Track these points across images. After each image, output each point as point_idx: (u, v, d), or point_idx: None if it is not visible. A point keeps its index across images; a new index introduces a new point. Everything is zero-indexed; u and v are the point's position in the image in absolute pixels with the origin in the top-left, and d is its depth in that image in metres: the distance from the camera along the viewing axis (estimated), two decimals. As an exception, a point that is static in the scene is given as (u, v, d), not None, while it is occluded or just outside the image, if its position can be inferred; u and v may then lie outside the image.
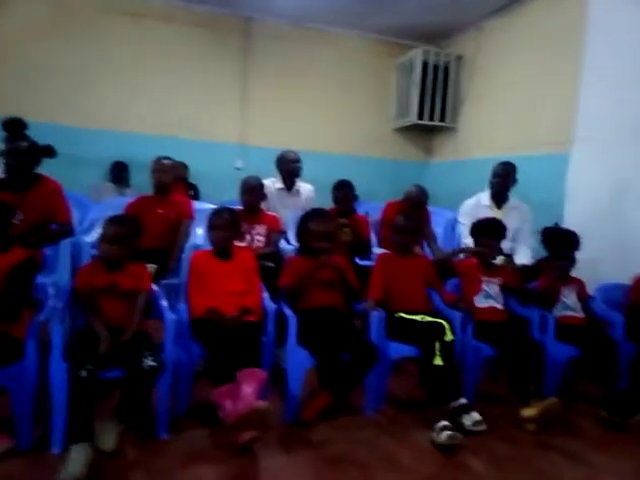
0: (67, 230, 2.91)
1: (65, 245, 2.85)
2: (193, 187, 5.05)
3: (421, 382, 2.75)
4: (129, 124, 5.20)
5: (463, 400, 2.28)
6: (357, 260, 3.57)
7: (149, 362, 1.95)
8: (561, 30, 4.54)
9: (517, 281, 2.96)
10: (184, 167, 4.89)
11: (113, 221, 2.18)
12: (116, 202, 3.49)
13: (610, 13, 4.07)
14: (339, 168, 5.13)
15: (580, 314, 2.82)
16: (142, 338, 2.09)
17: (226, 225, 2.46)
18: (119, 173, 4.98)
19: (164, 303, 2.24)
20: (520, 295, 2.90)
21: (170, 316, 2.13)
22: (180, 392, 2.24)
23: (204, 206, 3.45)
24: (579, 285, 2.92)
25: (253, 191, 3.32)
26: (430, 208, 4.19)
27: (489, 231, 2.94)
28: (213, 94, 5.52)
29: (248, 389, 1.96)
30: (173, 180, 3.40)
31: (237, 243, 3.09)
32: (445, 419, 2.17)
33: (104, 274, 2.16)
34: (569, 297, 2.84)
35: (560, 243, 2.92)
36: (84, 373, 1.83)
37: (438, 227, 4.19)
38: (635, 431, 2.39)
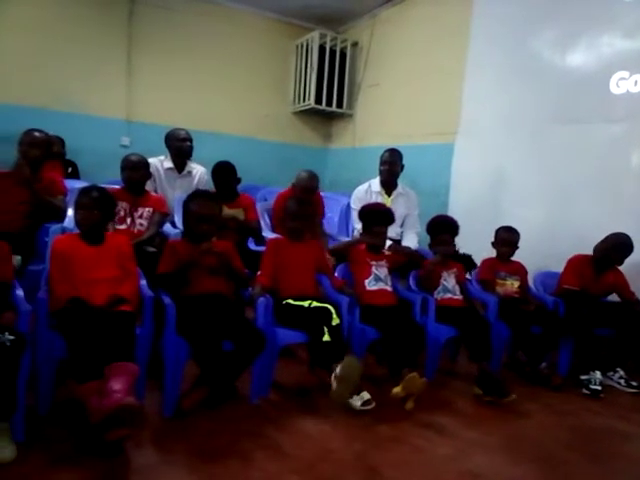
0: None
1: None
2: (71, 164, 4.60)
3: (311, 366, 2.76)
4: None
5: None
6: (250, 245, 3.48)
7: (7, 337, 1.71)
8: (449, 25, 4.75)
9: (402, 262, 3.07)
10: (60, 142, 4.42)
11: None
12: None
13: (492, 12, 4.33)
14: (235, 150, 4.97)
15: (458, 296, 2.98)
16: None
17: (94, 205, 2.21)
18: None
19: (20, 293, 1.98)
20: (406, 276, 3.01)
21: (25, 307, 1.89)
22: (41, 390, 2.02)
23: (80, 185, 3.12)
24: (458, 269, 3.08)
25: (135, 167, 3.05)
26: (326, 194, 4.21)
27: (378, 218, 2.98)
28: (95, 64, 5.02)
29: (116, 385, 1.80)
30: (43, 156, 3.01)
31: (117, 226, 2.88)
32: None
33: None
34: (449, 280, 2.99)
35: (440, 230, 3.05)
36: None
37: (334, 213, 4.23)
38: (504, 409, 2.55)
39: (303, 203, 2.87)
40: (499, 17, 4.27)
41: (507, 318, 2.92)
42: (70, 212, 2.83)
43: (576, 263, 3.16)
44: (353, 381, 2.23)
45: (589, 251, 3.18)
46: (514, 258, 3.26)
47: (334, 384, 2.19)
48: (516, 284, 3.13)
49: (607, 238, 3.11)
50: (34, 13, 4.74)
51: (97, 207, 2.22)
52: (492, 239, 3.27)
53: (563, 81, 3.84)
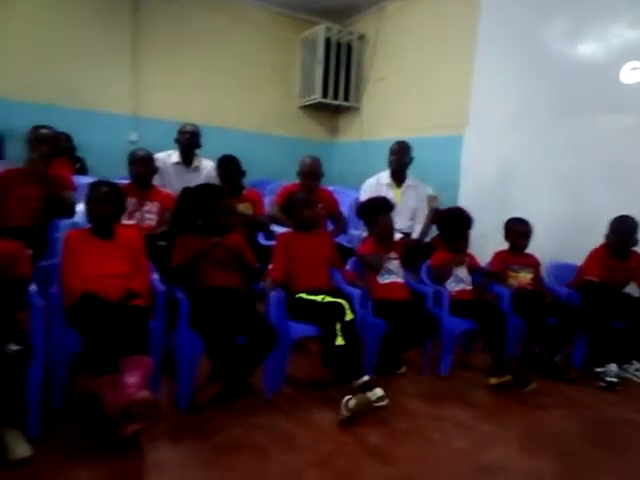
0: None
1: None
2: (79, 160, 4.60)
3: (323, 361, 2.74)
4: (3, 90, 4.56)
5: (366, 377, 2.26)
6: (260, 239, 3.46)
7: (13, 347, 1.70)
8: (457, 17, 4.71)
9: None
10: (67, 138, 4.42)
11: None
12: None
13: (501, 3, 4.27)
14: (242, 145, 4.93)
15: (471, 287, 2.96)
16: (5, 325, 1.82)
17: (104, 199, 2.21)
18: (-9, 144, 4.40)
19: (33, 288, 1.97)
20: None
21: (38, 302, 1.88)
22: (55, 385, 2.02)
23: (87, 181, 3.12)
24: (469, 258, 3.05)
25: (141, 161, 3.08)
26: (335, 187, 4.18)
27: (378, 207, 2.94)
28: (101, 59, 5.02)
29: (131, 379, 1.79)
30: (52, 152, 3.01)
31: (125, 221, 2.86)
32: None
33: None
34: (461, 270, 2.96)
35: (459, 225, 3.01)
36: None
37: (343, 207, 4.20)
38: (519, 401, 2.53)
39: (310, 192, 2.86)
40: (508, 8, 4.23)
41: (521, 310, 2.90)
42: (79, 207, 2.82)
43: (598, 254, 3.11)
44: (363, 413, 2.18)
45: (601, 240, 3.14)
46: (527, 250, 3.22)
47: (344, 412, 2.12)
48: (529, 276, 3.09)
49: (613, 226, 3.07)
50: (38, 9, 4.72)
51: (108, 202, 2.21)
52: (500, 229, 3.23)
53: (573, 72, 3.80)
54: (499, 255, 3.18)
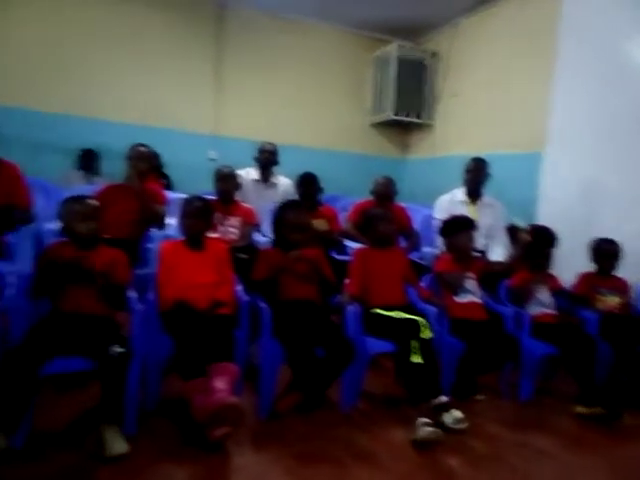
0: (27, 217, 2.76)
1: (27, 232, 2.70)
2: (166, 177, 4.90)
3: (397, 378, 2.73)
4: (97, 110, 4.99)
5: (444, 398, 2.22)
6: (333, 254, 3.52)
7: (117, 349, 1.85)
8: (534, 30, 4.60)
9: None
10: (156, 156, 4.73)
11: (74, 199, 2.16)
12: (83, 190, 3.33)
13: (584, 13, 4.12)
14: (316, 162, 5.04)
15: (553, 311, 2.84)
16: (109, 328, 1.99)
17: (198, 213, 2.37)
18: (88, 161, 4.78)
19: (132, 294, 2.14)
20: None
21: (138, 307, 2.04)
22: (149, 386, 2.16)
23: (177, 196, 3.33)
24: (552, 280, 2.94)
25: (226, 178, 3.27)
26: (407, 204, 4.19)
27: (464, 225, 2.89)
28: (186, 82, 5.38)
29: (220, 384, 1.89)
30: (149, 169, 3.25)
31: (210, 234, 3.02)
32: (425, 417, 2.12)
33: (73, 251, 2.09)
34: (542, 293, 2.86)
35: (541, 242, 2.92)
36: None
37: (415, 223, 4.19)
38: (607, 431, 2.40)
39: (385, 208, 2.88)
40: (590, 19, 4.06)
41: (608, 336, 2.74)
42: (170, 220, 3.03)
43: None
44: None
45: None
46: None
47: (419, 435, 2.07)
48: (617, 300, 2.93)
49: None
50: (134, 35, 5.13)
51: (201, 215, 2.37)
52: (585, 253, 3.08)
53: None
54: (585, 277, 3.03)
